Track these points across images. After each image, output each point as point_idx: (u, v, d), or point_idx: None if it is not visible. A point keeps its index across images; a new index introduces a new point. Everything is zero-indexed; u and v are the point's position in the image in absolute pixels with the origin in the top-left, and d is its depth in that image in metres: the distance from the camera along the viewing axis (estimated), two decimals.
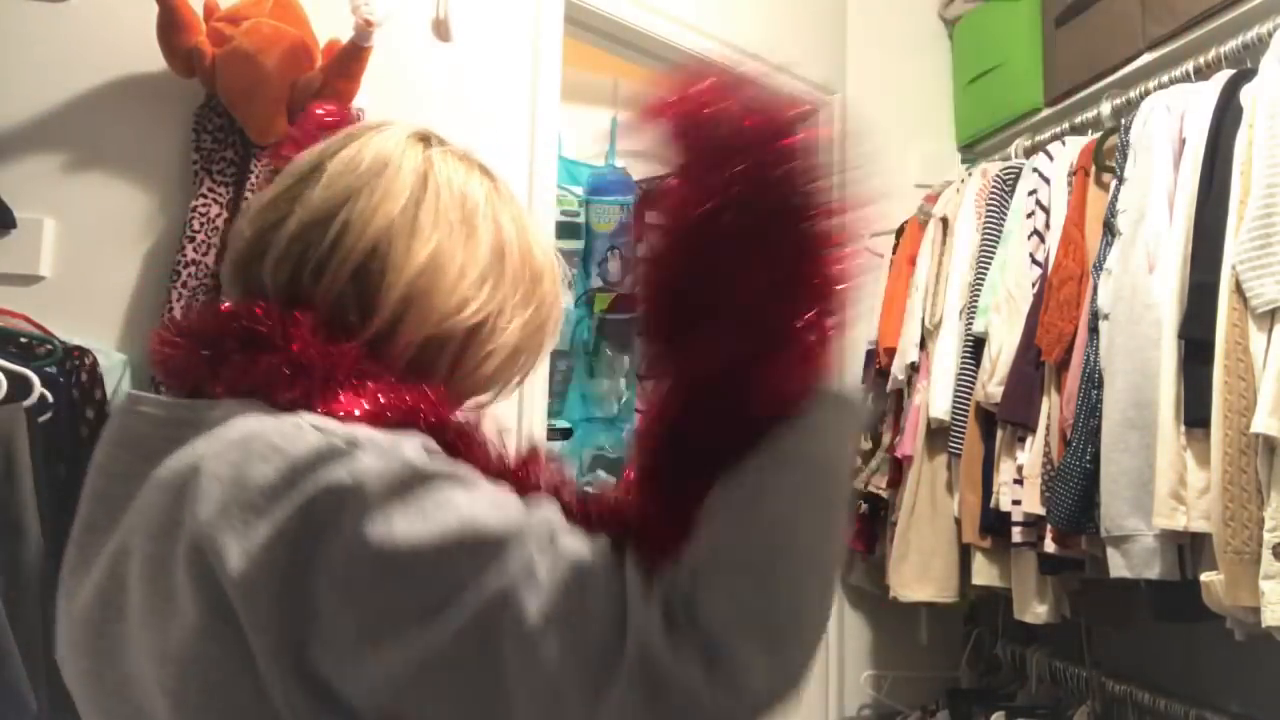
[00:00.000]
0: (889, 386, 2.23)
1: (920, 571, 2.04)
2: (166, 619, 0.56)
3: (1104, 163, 1.82)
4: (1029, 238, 1.95)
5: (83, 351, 1.34)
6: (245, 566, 0.52)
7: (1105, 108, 1.96)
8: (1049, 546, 1.72)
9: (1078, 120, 2.07)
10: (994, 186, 2.09)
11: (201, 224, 1.44)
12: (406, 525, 0.52)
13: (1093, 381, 1.65)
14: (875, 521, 2.25)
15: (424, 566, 0.52)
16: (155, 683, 0.56)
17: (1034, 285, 1.90)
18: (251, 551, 0.52)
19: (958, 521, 1.99)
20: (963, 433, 1.97)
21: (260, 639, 0.53)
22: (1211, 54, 1.71)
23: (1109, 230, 1.70)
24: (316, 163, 0.70)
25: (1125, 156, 1.72)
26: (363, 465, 0.54)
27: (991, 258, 2.01)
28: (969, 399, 1.97)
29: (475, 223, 0.70)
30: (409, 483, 0.54)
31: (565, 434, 2.05)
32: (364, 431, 0.57)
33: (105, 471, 0.65)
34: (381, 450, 0.55)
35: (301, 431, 0.56)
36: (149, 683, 0.57)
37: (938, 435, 2.04)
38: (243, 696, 0.54)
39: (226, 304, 0.68)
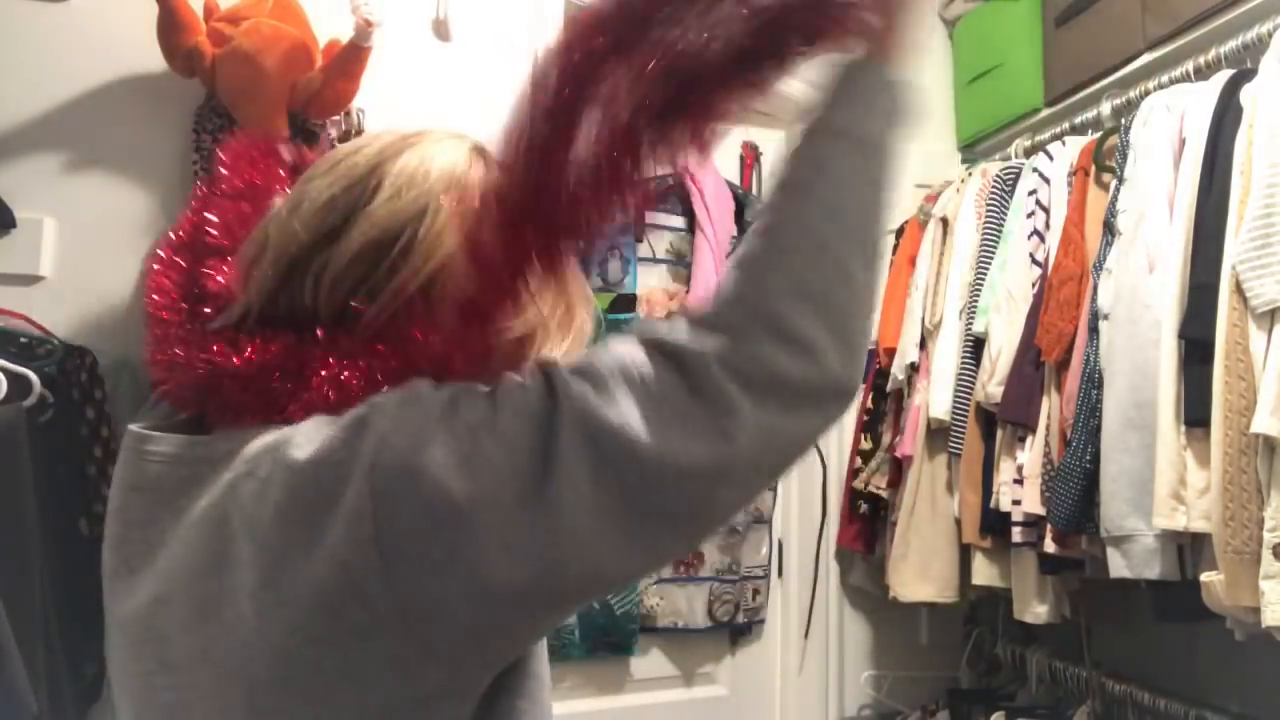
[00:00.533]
0: (889, 386, 2.23)
1: (920, 571, 2.04)
2: (229, 654, 0.55)
3: (1104, 163, 1.82)
4: (1029, 238, 1.95)
5: (83, 351, 1.34)
6: (336, 563, 0.52)
7: (1105, 108, 1.96)
8: (1049, 546, 1.72)
9: (1078, 120, 2.07)
10: (994, 186, 2.09)
11: None
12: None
13: (1093, 381, 1.65)
14: (875, 521, 2.25)
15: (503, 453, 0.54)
16: (245, 714, 0.55)
17: (1034, 285, 1.90)
18: (337, 549, 0.52)
19: (958, 521, 1.99)
20: (963, 433, 1.97)
21: (380, 627, 0.52)
22: (1211, 54, 1.71)
23: (1109, 230, 1.70)
24: (374, 164, 0.66)
25: (1125, 156, 1.72)
26: (396, 428, 0.54)
27: (991, 258, 2.01)
28: (969, 399, 1.97)
29: None
30: (461, 430, 0.54)
31: None
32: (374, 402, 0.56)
33: (121, 518, 0.64)
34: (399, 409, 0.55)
35: (320, 426, 0.56)
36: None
37: (938, 435, 2.04)
38: (345, 709, 0.53)
39: (209, 335, 0.64)
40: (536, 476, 0.53)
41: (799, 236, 0.60)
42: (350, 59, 1.49)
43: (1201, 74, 1.72)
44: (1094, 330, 1.67)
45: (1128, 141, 1.72)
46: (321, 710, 0.54)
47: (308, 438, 0.55)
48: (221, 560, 0.55)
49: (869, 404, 2.32)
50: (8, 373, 1.22)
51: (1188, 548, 1.52)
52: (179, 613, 0.57)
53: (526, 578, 0.53)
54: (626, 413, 0.54)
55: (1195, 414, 1.45)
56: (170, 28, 1.41)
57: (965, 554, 1.99)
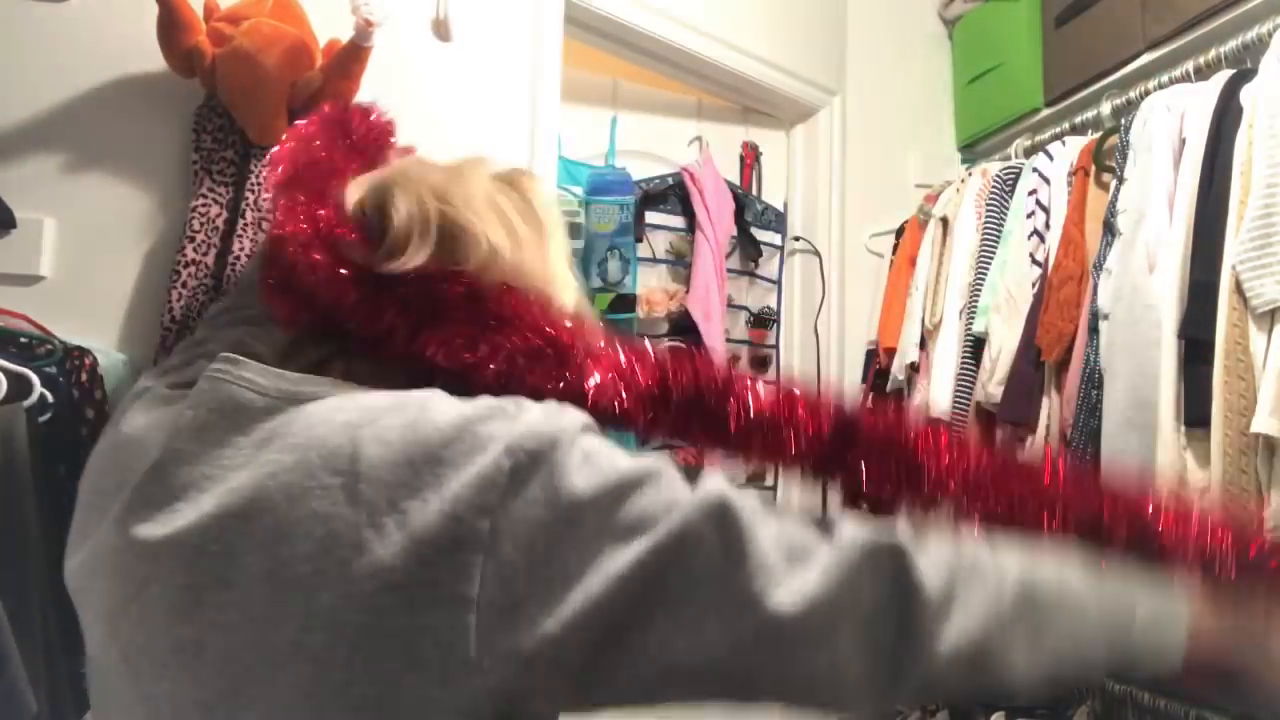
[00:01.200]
0: (889, 386, 2.23)
1: None
2: (295, 581, 0.56)
3: (1104, 163, 1.82)
4: (1029, 238, 1.95)
5: (83, 351, 1.34)
6: (448, 516, 0.54)
7: (1105, 108, 1.96)
8: None
9: (1078, 120, 2.07)
10: (994, 186, 2.09)
11: (201, 224, 1.44)
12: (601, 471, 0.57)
13: (1093, 381, 1.65)
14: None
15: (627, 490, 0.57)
16: (289, 647, 0.55)
17: (1034, 285, 1.90)
18: (462, 487, 0.55)
19: None
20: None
21: (465, 589, 0.54)
22: (1211, 54, 1.71)
23: (1109, 230, 1.70)
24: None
25: (1125, 156, 1.72)
26: (539, 419, 0.58)
27: (991, 258, 2.01)
28: (969, 399, 1.97)
29: None
30: (593, 449, 0.59)
31: None
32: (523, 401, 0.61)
33: (199, 438, 0.63)
34: (544, 411, 0.60)
35: (451, 398, 0.60)
36: (270, 649, 0.56)
37: None
38: (422, 647, 0.54)
39: None
40: (652, 517, 0.56)
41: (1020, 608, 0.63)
42: (350, 59, 1.48)
43: (1201, 74, 1.72)
44: (1094, 330, 1.67)
45: (1128, 141, 1.72)
46: (337, 690, 0.55)
47: (444, 404, 0.59)
48: (316, 491, 0.56)
49: (869, 404, 2.32)
50: (8, 373, 1.21)
51: None
52: (258, 530, 0.57)
53: (601, 600, 0.54)
54: (764, 534, 0.58)
55: (1195, 414, 1.45)
56: (170, 28, 1.41)
57: None
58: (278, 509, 0.57)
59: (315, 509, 0.56)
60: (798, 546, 0.58)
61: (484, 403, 0.60)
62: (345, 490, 0.56)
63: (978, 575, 0.61)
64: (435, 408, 0.59)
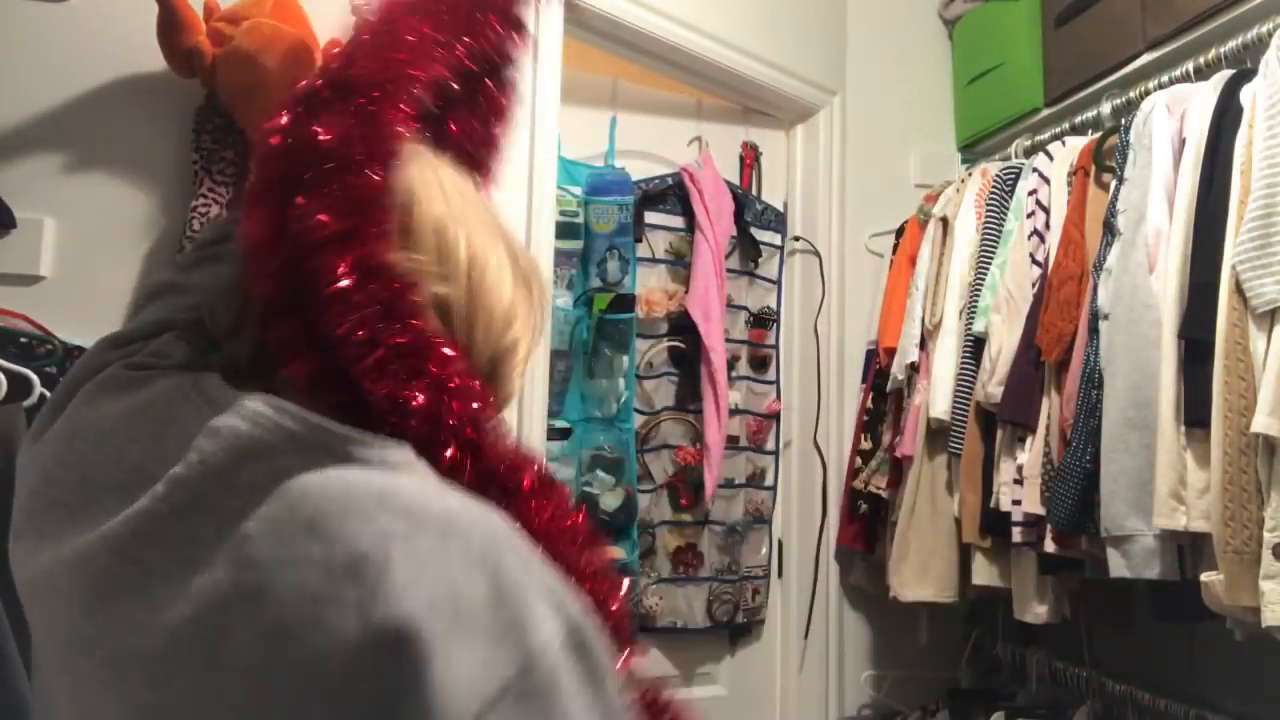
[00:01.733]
0: (889, 386, 2.23)
1: (920, 571, 2.04)
2: (313, 694, 0.52)
3: (1104, 163, 1.82)
4: (1029, 238, 1.95)
5: (82, 351, 1.34)
6: (454, 679, 0.51)
7: (1105, 108, 1.96)
8: (1049, 546, 1.72)
9: (1078, 120, 2.07)
10: (994, 186, 2.09)
11: (201, 224, 1.44)
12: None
13: (1093, 381, 1.65)
14: (875, 521, 2.25)
15: None
16: None
17: (1034, 285, 1.90)
18: (466, 665, 0.51)
19: (958, 521, 1.99)
20: (963, 433, 1.97)
21: None
22: (1211, 54, 1.71)
23: (1109, 230, 1.70)
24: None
25: (1125, 156, 1.72)
26: (559, 632, 0.54)
27: (991, 258, 2.01)
28: (969, 399, 1.97)
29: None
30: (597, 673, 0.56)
31: (564, 434, 2.05)
32: (549, 575, 0.58)
33: (227, 483, 0.57)
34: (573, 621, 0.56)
35: (499, 542, 0.57)
36: None
37: (938, 435, 2.04)
38: None
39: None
40: None
41: None
42: None
43: (1201, 74, 1.72)
44: (1094, 330, 1.67)
45: (1128, 141, 1.72)
46: None
47: (490, 552, 0.55)
48: (334, 602, 0.52)
49: (869, 404, 2.32)
50: (8, 373, 1.21)
51: (1188, 548, 1.52)
52: (262, 619, 0.53)
53: None
54: None
55: (1195, 414, 1.45)
56: (170, 28, 1.41)
57: (965, 554, 1.99)
58: (285, 604, 0.53)
59: (329, 621, 0.52)
60: None
61: (530, 575, 0.56)
62: (359, 608, 0.52)
63: None
64: (477, 550, 0.55)
